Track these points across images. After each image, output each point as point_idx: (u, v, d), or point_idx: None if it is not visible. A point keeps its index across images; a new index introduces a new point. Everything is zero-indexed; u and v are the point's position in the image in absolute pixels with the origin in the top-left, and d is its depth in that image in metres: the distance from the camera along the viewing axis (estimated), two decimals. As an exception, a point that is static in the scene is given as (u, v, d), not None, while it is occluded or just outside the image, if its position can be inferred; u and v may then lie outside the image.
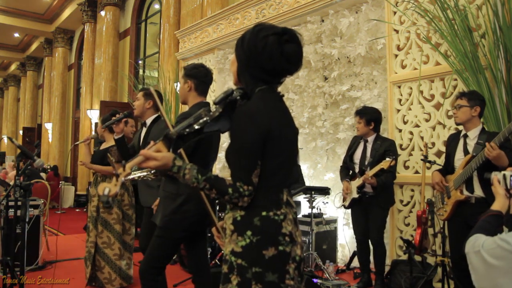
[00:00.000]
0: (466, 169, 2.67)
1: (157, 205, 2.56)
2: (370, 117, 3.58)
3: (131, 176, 2.70)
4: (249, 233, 1.31)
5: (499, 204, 1.55)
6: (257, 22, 1.46)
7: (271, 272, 1.29)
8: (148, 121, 3.05)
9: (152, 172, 2.54)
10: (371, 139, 3.62)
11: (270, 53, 1.36)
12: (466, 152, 2.76)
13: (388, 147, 3.48)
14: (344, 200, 3.75)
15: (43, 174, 10.19)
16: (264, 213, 1.32)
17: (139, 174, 2.64)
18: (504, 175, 1.57)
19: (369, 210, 3.56)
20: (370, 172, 3.44)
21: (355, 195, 3.57)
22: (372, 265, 3.68)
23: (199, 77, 2.46)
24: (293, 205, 1.41)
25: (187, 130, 1.33)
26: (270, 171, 1.35)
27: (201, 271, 2.53)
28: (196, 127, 1.33)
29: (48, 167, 11.45)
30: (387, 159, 3.34)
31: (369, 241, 3.62)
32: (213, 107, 1.40)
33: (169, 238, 2.31)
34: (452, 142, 2.91)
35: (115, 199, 3.58)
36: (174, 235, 2.31)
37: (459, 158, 2.80)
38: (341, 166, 3.87)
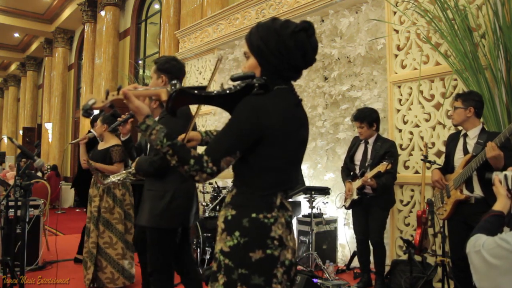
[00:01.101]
0: (466, 169, 2.67)
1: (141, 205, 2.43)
2: (371, 119, 3.57)
3: (110, 180, 2.67)
4: (237, 233, 1.29)
5: (500, 205, 1.55)
6: (272, 17, 1.43)
7: (257, 275, 1.27)
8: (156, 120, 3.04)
9: (132, 173, 2.51)
10: (371, 140, 3.62)
11: (304, 50, 1.35)
12: (465, 151, 2.76)
13: (389, 148, 3.48)
14: (345, 200, 3.75)
15: (39, 174, 10.18)
16: (253, 215, 1.30)
17: (118, 177, 2.61)
18: (505, 175, 1.57)
19: (370, 211, 3.56)
20: (368, 174, 3.43)
21: (355, 196, 3.57)
22: (372, 265, 3.68)
23: (174, 71, 2.38)
24: (288, 208, 1.38)
25: (191, 90, 1.29)
26: (263, 172, 1.33)
27: (188, 270, 2.45)
28: (196, 92, 1.29)
29: (48, 167, 11.44)
30: (384, 162, 3.35)
31: (369, 241, 3.63)
32: (229, 84, 1.34)
33: (163, 239, 2.24)
34: (451, 142, 2.91)
35: (117, 198, 3.57)
36: (167, 235, 2.25)
37: (459, 157, 2.80)
38: (342, 167, 3.87)
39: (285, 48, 1.32)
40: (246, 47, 1.40)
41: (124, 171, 2.64)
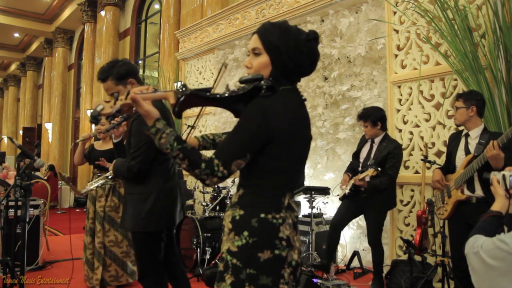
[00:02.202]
0: (468, 169, 2.66)
1: (123, 209, 2.35)
2: (375, 117, 3.54)
3: (89, 188, 2.64)
4: (245, 233, 1.29)
5: (499, 205, 1.55)
6: (283, 20, 1.44)
7: (265, 275, 1.27)
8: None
9: (110, 178, 2.47)
10: (377, 139, 3.59)
11: (314, 58, 1.40)
12: (467, 151, 2.76)
13: (392, 150, 3.45)
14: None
15: (38, 173, 10.15)
16: (262, 215, 1.30)
17: (95, 185, 2.58)
18: (503, 175, 1.56)
19: (365, 212, 3.59)
20: (358, 176, 3.45)
21: (347, 190, 3.60)
22: (369, 263, 3.68)
23: (133, 69, 2.33)
24: (294, 209, 1.39)
25: (200, 93, 1.29)
26: (272, 172, 1.33)
27: (176, 271, 2.41)
28: (208, 94, 1.29)
29: (47, 167, 11.41)
30: (371, 169, 3.37)
31: (341, 232, 3.70)
32: (237, 85, 1.34)
33: (151, 242, 2.20)
34: (453, 141, 2.91)
35: (123, 197, 3.55)
36: (154, 238, 2.21)
37: (460, 157, 2.80)
38: (350, 161, 3.89)
39: (300, 53, 1.35)
40: (258, 43, 1.38)
41: (102, 177, 2.59)
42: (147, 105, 1.32)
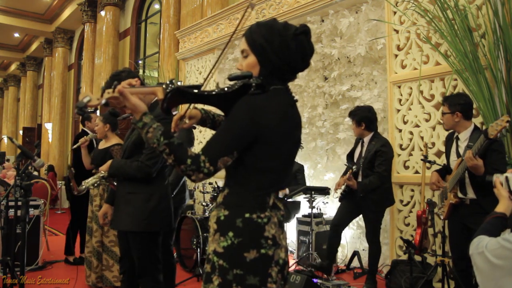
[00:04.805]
0: (456, 173, 2.70)
1: (117, 209, 2.31)
2: (359, 118, 3.57)
3: (84, 186, 2.65)
4: (231, 234, 1.29)
5: (503, 207, 1.54)
6: (272, 18, 1.42)
7: (252, 275, 1.27)
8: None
9: (104, 177, 2.46)
10: (367, 139, 3.63)
11: (304, 53, 1.36)
12: (458, 154, 2.78)
13: (379, 148, 3.49)
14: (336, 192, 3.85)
15: (36, 173, 10.12)
16: (247, 215, 1.29)
17: (91, 183, 2.58)
18: (506, 177, 1.56)
19: (363, 211, 3.62)
20: (345, 177, 3.52)
21: (340, 192, 3.67)
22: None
23: (137, 75, 2.36)
24: (280, 208, 1.38)
25: (189, 89, 1.27)
26: (258, 172, 1.32)
27: (170, 263, 2.54)
28: (196, 91, 1.28)
29: (46, 168, 11.35)
30: (349, 170, 3.49)
31: (342, 232, 3.74)
32: (226, 83, 1.33)
33: (151, 241, 2.20)
34: (448, 143, 2.94)
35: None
36: (155, 237, 2.22)
37: (453, 160, 2.84)
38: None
39: (287, 49, 1.33)
40: (245, 45, 1.39)
41: (95, 176, 2.60)
42: (134, 98, 1.31)
